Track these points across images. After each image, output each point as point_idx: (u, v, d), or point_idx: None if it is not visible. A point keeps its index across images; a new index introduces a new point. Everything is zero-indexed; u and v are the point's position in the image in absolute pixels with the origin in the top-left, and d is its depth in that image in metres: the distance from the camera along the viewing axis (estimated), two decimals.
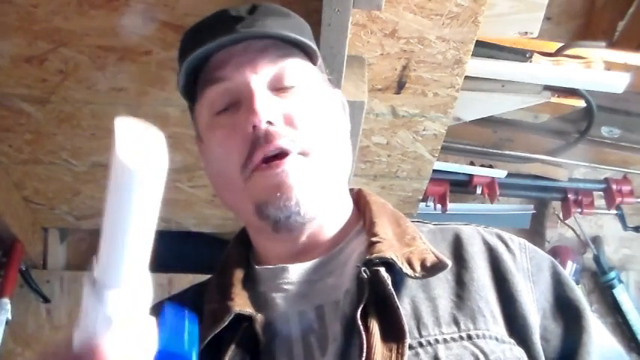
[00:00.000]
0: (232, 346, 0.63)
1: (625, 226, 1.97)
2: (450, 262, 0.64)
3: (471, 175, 1.79)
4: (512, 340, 0.62)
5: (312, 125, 0.68)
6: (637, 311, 1.95)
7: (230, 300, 0.66)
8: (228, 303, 0.65)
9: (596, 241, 2.06)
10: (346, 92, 1.06)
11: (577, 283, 1.99)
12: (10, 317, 1.54)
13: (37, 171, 1.46)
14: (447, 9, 1.05)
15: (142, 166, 0.37)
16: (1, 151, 1.39)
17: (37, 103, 1.23)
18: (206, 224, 1.72)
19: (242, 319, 0.64)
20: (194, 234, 1.77)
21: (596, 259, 2.00)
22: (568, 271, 1.93)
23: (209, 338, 0.63)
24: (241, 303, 0.65)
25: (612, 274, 1.97)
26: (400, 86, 1.21)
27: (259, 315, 0.65)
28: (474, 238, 0.71)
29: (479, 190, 1.79)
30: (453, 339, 0.61)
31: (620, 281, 1.98)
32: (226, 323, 0.63)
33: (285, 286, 0.68)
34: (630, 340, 1.95)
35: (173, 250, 1.75)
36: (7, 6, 1.00)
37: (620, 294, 1.97)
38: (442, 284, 0.65)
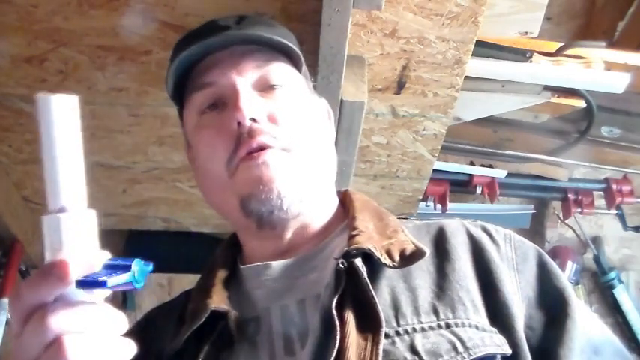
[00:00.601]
0: (208, 344, 0.64)
1: (625, 226, 1.97)
2: (428, 250, 0.64)
3: (471, 175, 1.79)
4: (493, 329, 0.63)
5: (294, 124, 0.70)
6: (637, 311, 1.96)
7: (208, 298, 0.67)
8: (206, 301, 0.67)
9: (596, 241, 2.06)
10: (346, 92, 1.06)
11: (577, 283, 1.99)
12: (10, 317, 1.54)
13: (37, 171, 1.46)
14: (447, 9, 1.05)
15: (56, 95, 0.46)
16: (1, 151, 1.39)
17: None
18: (206, 224, 1.72)
19: (219, 316, 0.66)
20: (194, 234, 1.77)
21: (596, 259, 2.01)
22: (568, 271, 1.94)
23: (187, 335, 0.64)
24: (218, 300, 0.67)
25: (612, 274, 1.98)
26: (400, 86, 1.21)
27: (234, 312, 0.66)
28: (458, 231, 0.71)
29: (479, 190, 1.79)
30: (431, 327, 0.61)
31: (620, 281, 1.98)
32: (202, 320, 0.65)
33: (268, 282, 0.69)
34: (630, 340, 1.95)
35: (173, 250, 1.75)
36: (7, 6, 1.00)
37: (620, 294, 1.97)
38: (423, 275, 0.66)
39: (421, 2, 1.04)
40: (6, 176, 1.47)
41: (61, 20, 1.03)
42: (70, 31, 1.05)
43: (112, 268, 0.47)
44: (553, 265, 0.71)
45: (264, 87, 0.71)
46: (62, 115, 0.47)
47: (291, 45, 0.74)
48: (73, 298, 0.46)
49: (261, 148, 0.67)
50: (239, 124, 0.67)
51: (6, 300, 1.55)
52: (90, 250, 0.47)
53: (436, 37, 1.10)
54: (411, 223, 0.75)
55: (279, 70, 0.73)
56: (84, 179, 0.48)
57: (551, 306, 0.67)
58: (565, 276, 0.70)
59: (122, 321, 0.48)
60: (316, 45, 0.95)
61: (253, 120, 0.67)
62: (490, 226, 0.73)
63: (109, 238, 1.84)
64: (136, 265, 0.47)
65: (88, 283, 0.45)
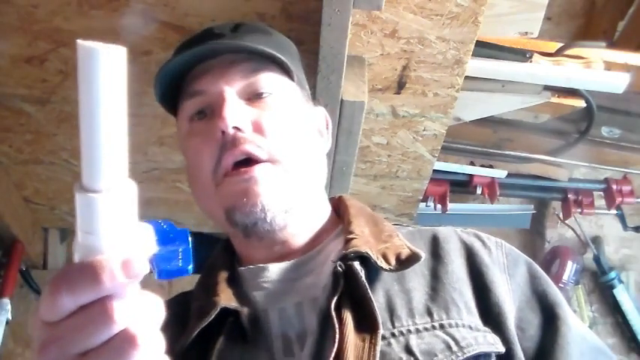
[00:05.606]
0: (221, 338, 0.65)
1: (625, 226, 1.97)
2: (423, 255, 0.66)
3: (471, 175, 1.79)
4: (487, 329, 0.64)
5: (281, 133, 0.70)
6: (637, 311, 1.95)
7: (216, 296, 0.68)
8: (214, 299, 0.67)
9: (596, 241, 2.06)
10: (346, 92, 1.06)
11: (577, 283, 1.99)
12: (10, 317, 1.54)
13: (37, 171, 1.46)
14: (447, 9, 1.05)
15: (102, 46, 0.37)
16: (1, 151, 1.39)
17: (37, 103, 1.23)
18: (206, 224, 1.72)
19: (228, 313, 0.66)
20: (194, 234, 1.77)
21: (596, 259, 2.00)
22: (568, 271, 1.93)
23: (196, 332, 0.64)
24: (226, 298, 0.67)
25: (612, 274, 1.98)
26: (400, 86, 1.21)
27: (245, 308, 0.67)
28: (451, 237, 0.73)
29: (479, 190, 1.79)
30: (426, 329, 0.62)
31: (620, 281, 1.98)
32: (212, 317, 0.65)
33: (265, 284, 0.70)
34: (630, 340, 1.95)
35: None
36: (7, 6, 1.00)
37: (620, 294, 1.97)
38: (417, 278, 0.67)
39: (421, 2, 1.04)
40: (6, 176, 1.47)
41: (62, 20, 1.03)
42: (70, 32, 1.05)
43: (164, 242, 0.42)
44: (542, 272, 0.73)
45: (252, 95, 0.72)
46: (110, 73, 0.37)
47: (280, 56, 0.73)
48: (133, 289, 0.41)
49: (248, 159, 0.67)
50: (223, 132, 0.68)
51: (6, 300, 1.55)
52: (132, 232, 0.41)
53: (436, 37, 1.10)
54: (405, 229, 0.77)
55: (269, 79, 0.73)
56: (126, 148, 0.40)
57: (544, 309, 0.69)
58: (554, 284, 0.73)
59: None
60: (316, 45, 0.95)
61: (237, 129, 0.68)
62: (482, 234, 0.76)
63: None
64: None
65: (170, 273, 0.41)
